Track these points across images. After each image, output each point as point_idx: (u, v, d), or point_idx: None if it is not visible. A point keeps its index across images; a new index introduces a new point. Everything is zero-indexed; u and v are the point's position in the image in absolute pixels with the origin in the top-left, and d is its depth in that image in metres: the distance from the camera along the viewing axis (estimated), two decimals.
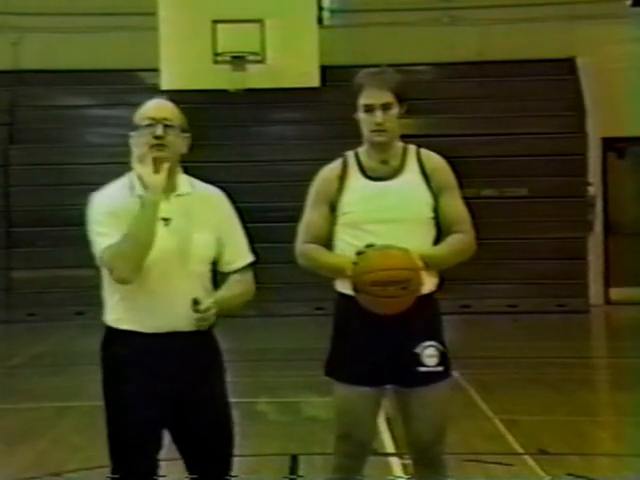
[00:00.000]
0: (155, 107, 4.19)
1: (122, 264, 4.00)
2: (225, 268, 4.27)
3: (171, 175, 4.17)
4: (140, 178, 4.10)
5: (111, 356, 4.17)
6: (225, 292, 4.22)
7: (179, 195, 4.19)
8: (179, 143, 4.18)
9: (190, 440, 4.19)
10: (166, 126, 4.12)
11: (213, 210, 4.25)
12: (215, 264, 4.24)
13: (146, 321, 4.09)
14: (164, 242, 4.07)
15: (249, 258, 4.31)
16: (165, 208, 4.11)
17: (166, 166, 4.08)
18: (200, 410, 4.15)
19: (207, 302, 4.05)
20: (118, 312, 4.14)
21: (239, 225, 4.33)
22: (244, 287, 4.29)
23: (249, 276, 4.31)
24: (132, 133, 4.17)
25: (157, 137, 4.10)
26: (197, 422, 4.16)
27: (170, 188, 4.16)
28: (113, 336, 4.16)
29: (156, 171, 4.07)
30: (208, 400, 4.17)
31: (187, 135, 4.24)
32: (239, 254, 4.29)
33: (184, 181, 4.25)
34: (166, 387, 4.09)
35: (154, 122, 4.12)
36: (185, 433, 4.19)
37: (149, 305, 4.08)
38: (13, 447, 7.45)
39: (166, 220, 4.11)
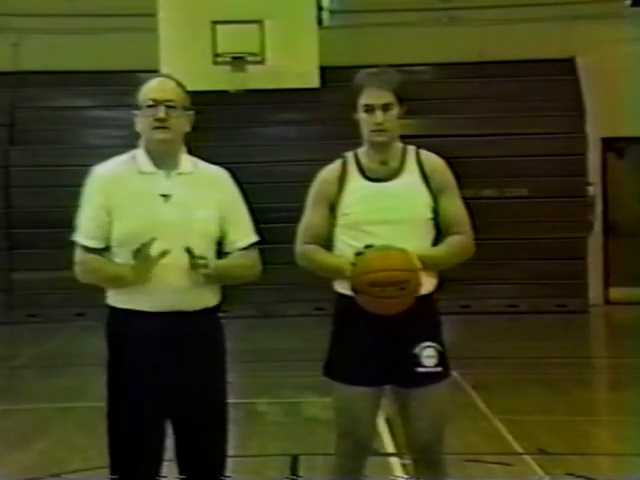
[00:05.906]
0: (157, 87, 4.22)
1: (84, 277, 4.19)
2: (229, 247, 4.26)
3: (174, 154, 4.19)
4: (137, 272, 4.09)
5: (114, 335, 4.16)
6: (226, 261, 4.23)
7: (181, 173, 4.20)
8: (182, 123, 4.21)
9: (186, 428, 4.17)
10: (168, 107, 4.14)
11: (216, 188, 4.25)
12: (220, 245, 4.23)
13: (147, 299, 4.08)
14: (164, 216, 4.09)
15: (253, 237, 4.32)
16: (165, 184, 4.14)
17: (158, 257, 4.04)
18: (199, 394, 4.14)
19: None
20: (119, 291, 4.14)
21: (243, 205, 4.33)
22: (247, 260, 4.28)
23: (254, 254, 4.31)
24: (135, 112, 4.21)
25: (159, 119, 4.12)
26: (195, 405, 4.14)
27: (172, 166, 4.18)
28: (115, 315, 4.16)
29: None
30: (207, 384, 4.16)
31: (190, 113, 4.25)
32: (243, 233, 4.29)
33: (187, 160, 4.26)
34: (167, 370, 4.07)
35: (156, 104, 4.14)
36: (183, 418, 4.16)
37: (150, 282, 4.06)
38: (14, 447, 7.45)
39: (166, 196, 4.12)
